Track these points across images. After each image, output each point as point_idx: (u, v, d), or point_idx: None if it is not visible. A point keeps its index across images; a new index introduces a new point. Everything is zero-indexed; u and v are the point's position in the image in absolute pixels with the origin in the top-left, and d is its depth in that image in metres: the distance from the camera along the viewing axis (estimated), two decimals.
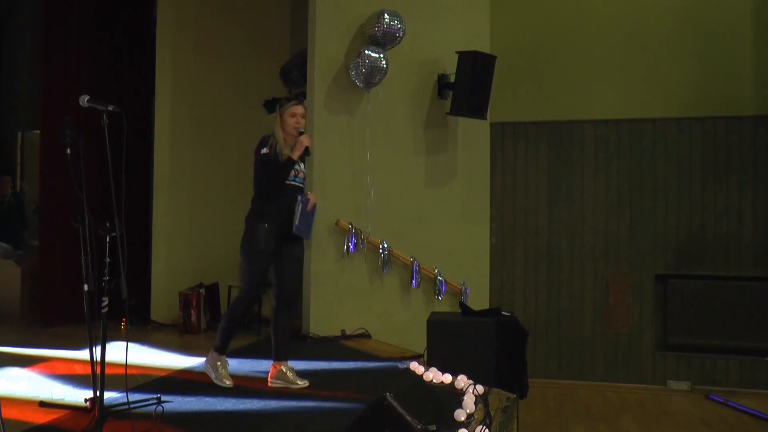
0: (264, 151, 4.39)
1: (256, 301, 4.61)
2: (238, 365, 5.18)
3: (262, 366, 5.10)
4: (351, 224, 6.64)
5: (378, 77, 6.56)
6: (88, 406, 3.63)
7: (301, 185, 4.52)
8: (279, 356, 4.51)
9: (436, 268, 6.95)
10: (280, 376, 4.47)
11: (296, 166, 4.45)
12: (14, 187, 9.50)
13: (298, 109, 4.45)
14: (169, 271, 7.63)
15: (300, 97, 4.55)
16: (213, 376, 4.44)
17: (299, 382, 4.45)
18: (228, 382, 4.41)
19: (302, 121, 4.46)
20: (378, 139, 6.80)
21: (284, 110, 4.44)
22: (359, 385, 4.67)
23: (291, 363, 4.56)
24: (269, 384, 4.48)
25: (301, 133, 4.42)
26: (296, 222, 4.36)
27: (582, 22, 7.73)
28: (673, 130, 7.51)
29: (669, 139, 7.52)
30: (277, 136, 4.43)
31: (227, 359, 4.56)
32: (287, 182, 4.41)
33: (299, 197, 4.39)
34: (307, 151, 4.44)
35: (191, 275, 7.53)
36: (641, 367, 7.46)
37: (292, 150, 4.40)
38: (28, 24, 10.07)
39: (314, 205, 4.52)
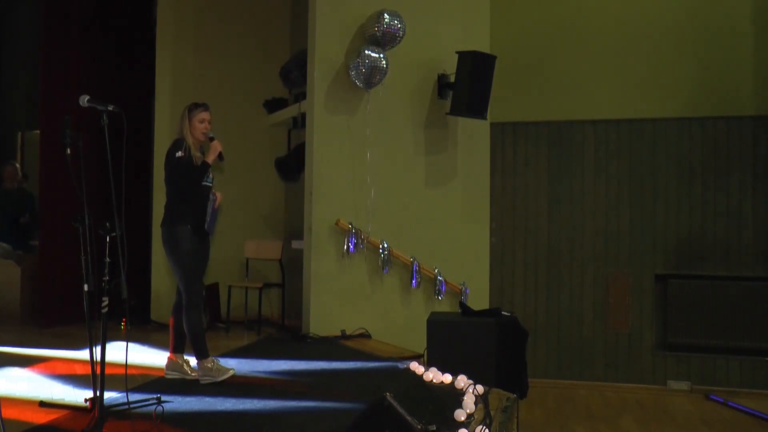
0: (179, 154, 4.48)
1: (203, 297, 4.70)
2: (237, 365, 5.17)
3: (262, 366, 5.12)
4: (351, 224, 6.63)
5: (378, 77, 6.55)
6: (88, 406, 3.63)
7: (211, 185, 4.66)
8: (177, 349, 4.66)
9: (436, 268, 6.95)
10: (176, 367, 4.62)
11: None
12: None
13: (206, 115, 4.59)
14: (169, 271, 7.61)
15: (205, 103, 4.71)
16: (215, 378, 4.46)
17: (192, 373, 4.59)
18: (230, 372, 4.48)
19: (209, 127, 4.60)
20: (378, 139, 6.79)
21: (193, 116, 4.56)
22: (359, 385, 4.67)
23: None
24: (165, 375, 4.62)
25: (212, 138, 4.56)
26: (208, 219, 4.56)
27: (582, 22, 7.74)
28: (673, 130, 7.52)
29: (669, 139, 7.52)
30: (186, 140, 4.53)
31: (214, 357, 4.62)
32: (202, 183, 4.56)
33: (211, 196, 4.57)
34: (220, 156, 4.56)
35: None
36: (641, 367, 7.46)
37: (201, 153, 4.55)
38: (28, 24, 10.07)
39: (219, 204, 4.70)
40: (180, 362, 4.65)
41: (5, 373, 4.85)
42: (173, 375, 4.63)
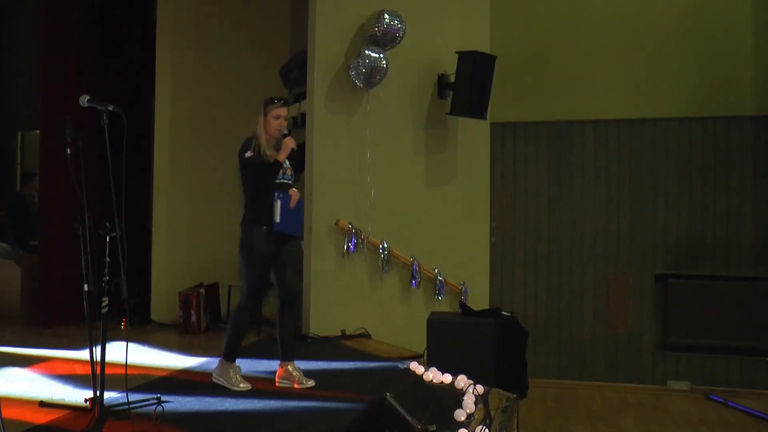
0: (248, 154, 4.37)
1: (259, 304, 4.54)
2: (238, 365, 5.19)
3: (263, 366, 5.11)
4: (351, 224, 6.63)
5: (378, 77, 6.55)
6: (88, 406, 3.64)
7: (289, 182, 4.52)
8: (286, 357, 4.53)
9: (436, 268, 6.95)
10: (287, 376, 4.50)
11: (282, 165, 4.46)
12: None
13: (283, 111, 4.46)
14: (169, 271, 7.63)
15: (284, 98, 4.54)
16: (228, 384, 4.36)
17: (305, 382, 4.48)
18: (243, 386, 4.36)
19: (284, 123, 4.48)
20: (378, 139, 6.79)
21: (269, 111, 4.43)
22: (359, 385, 4.67)
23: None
24: (276, 384, 4.51)
25: (285, 135, 4.44)
26: (276, 219, 4.34)
27: (582, 22, 7.74)
28: (673, 130, 7.51)
29: (669, 139, 7.52)
30: (259, 137, 4.41)
31: (238, 364, 4.49)
32: (276, 181, 4.41)
33: (276, 194, 4.36)
34: (292, 153, 4.44)
35: (191, 275, 7.53)
36: (641, 367, 7.46)
37: (275, 148, 4.41)
38: (28, 24, 10.08)
39: (300, 201, 4.52)
40: (290, 370, 4.49)
41: (5, 373, 4.85)
42: (284, 384, 4.50)
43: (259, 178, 4.37)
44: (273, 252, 4.41)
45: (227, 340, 4.45)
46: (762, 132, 7.31)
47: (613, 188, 7.63)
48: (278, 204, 4.34)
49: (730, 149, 7.37)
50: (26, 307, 7.52)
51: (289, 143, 4.41)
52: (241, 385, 4.35)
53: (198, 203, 7.84)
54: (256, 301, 4.53)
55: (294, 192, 4.49)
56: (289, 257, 4.52)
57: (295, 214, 4.48)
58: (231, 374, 4.40)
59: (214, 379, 4.43)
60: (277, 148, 4.43)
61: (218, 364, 4.48)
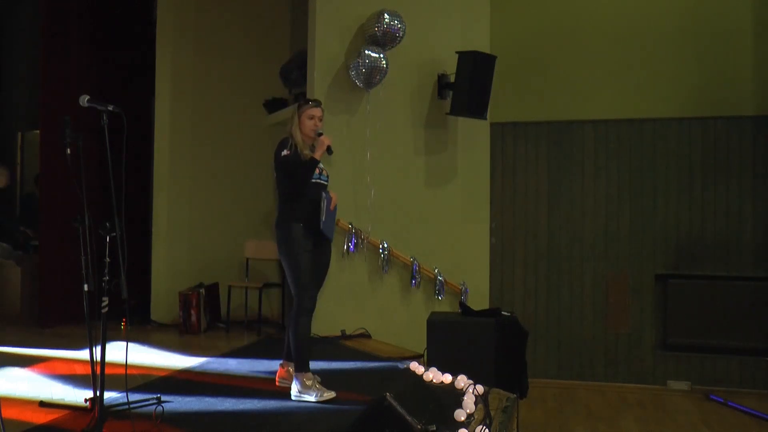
0: (285, 153, 4.32)
1: (315, 304, 4.34)
2: (237, 365, 5.20)
3: (262, 366, 5.11)
4: (351, 224, 6.64)
5: (378, 77, 6.55)
6: (88, 406, 3.64)
7: (325, 182, 4.49)
8: (290, 357, 4.45)
9: (436, 268, 6.95)
10: (288, 376, 4.46)
11: (319, 165, 4.41)
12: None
13: (317, 112, 4.41)
14: (169, 271, 7.63)
15: (318, 100, 4.53)
16: (311, 396, 4.14)
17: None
18: (328, 394, 4.14)
19: (320, 124, 4.43)
20: (378, 139, 6.80)
21: (302, 112, 4.40)
22: (359, 385, 4.67)
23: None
24: (276, 384, 4.49)
25: (320, 134, 4.39)
26: (322, 218, 4.28)
27: (582, 22, 7.73)
28: (673, 130, 7.51)
29: (669, 139, 7.52)
30: (295, 137, 4.37)
31: (313, 373, 4.31)
32: (312, 180, 4.35)
33: (323, 194, 4.32)
34: (329, 150, 4.40)
35: (191, 275, 7.53)
36: (641, 367, 7.46)
37: (310, 150, 4.36)
38: (28, 24, 10.08)
39: (335, 205, 4.48)
40: (292, 371, 4.37)
41: (5, 373, 4.86)
42: (284, 384, 4.43)
43: (295, 176, 4.30)
44: (311, 248, 4.31)
45: (295, 351, 4.27)
46: (762, 132, 7.31)
47: (613, 188, 7.63)
48: (324, 203, 4.29)
49: (730, 149, 7.37)
50: (26, 307, 7.52)
51: (325, 140, 4.36)
52: (325, 395, 4.13)
53: (198, 203, 7.84)
54: (313, 299, 4.31)
55: (333, 194, 4.46)
56: (319, 263, 4.41)
57: (333, 217, 4.45)
58: (310, 385, 4.19)
59: (294, 398, 4.19)
60: (313, 148, 4.39)
61: (294, 381, 4.25)
